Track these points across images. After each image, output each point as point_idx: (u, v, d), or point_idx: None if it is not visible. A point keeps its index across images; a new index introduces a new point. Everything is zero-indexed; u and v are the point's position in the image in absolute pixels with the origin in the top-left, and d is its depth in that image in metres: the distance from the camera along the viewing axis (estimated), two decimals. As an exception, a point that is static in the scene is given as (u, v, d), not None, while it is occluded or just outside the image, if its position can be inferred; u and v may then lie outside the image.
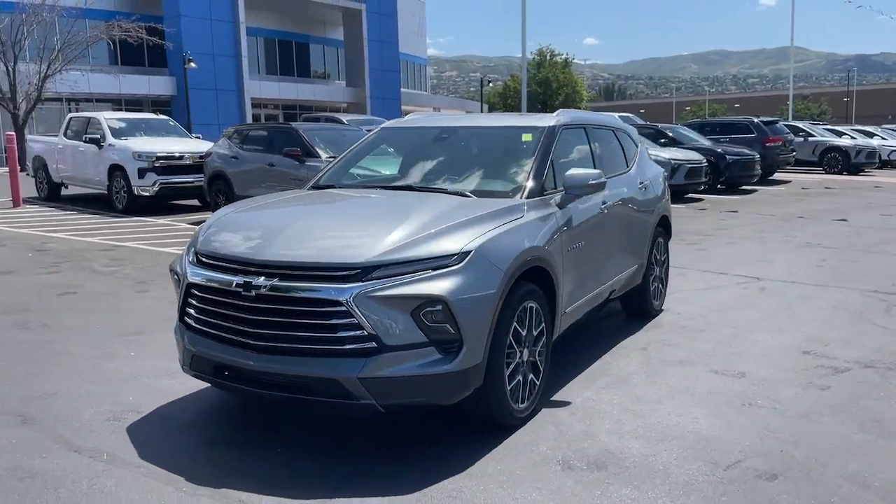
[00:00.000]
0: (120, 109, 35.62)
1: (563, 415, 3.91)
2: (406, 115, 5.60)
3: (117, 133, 14.70)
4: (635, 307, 5.91)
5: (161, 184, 13.58)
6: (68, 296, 6.88)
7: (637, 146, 6.04)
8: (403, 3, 53.54)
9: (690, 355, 4.98)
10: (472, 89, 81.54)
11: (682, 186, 16.00)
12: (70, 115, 16.45)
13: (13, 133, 16.29)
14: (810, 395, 4.23)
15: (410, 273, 3.23)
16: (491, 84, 65.76)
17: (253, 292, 3.26)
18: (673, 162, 15.77)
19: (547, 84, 58.19)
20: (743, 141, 20.34)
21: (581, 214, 4.46)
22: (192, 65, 32.62)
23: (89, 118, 15.43)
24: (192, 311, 3.60)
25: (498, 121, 5.08)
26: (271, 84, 43.17)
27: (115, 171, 14.01)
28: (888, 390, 4.30)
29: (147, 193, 13.50)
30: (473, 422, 3.68)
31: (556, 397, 4.18)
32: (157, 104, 39.32)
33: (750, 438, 3.60)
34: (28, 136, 18.52)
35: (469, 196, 4.08)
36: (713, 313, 6.11)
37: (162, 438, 3.60)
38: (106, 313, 6.17)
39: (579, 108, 53.83)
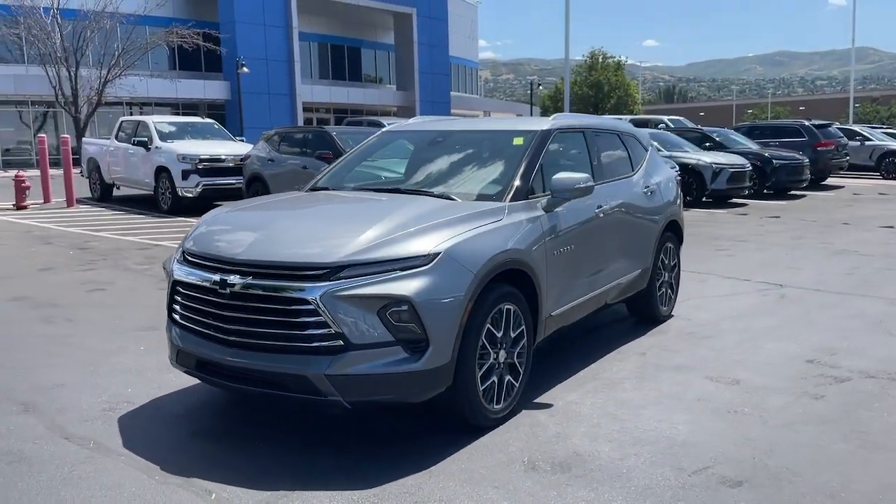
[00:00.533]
0: (178, 113, 36.75)
1: (541, 417, 3.93)
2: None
3: (164, 136, 15.22)
4: (641, 312, 5.87)
5: (204, 185, 14.00)
6: (97, 292, 7.17)
7: (646, 150, 6.00)
8: (454, 7, 53.83)
9: (689, 361, 4.93)
10: (528, 92, 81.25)
11: (725, 191, 15.72)
12: (121, 119, 17.07)
13: (67, 136, 16.96)
14: (801, 404, 4.15)
15: (378, 273, 3.31)
16: (541, 87, 65.39)
17: (228, 290, 3.39)
18: (714, 166, 15.51)
19: (599, 87, 57.67)
20: (793, 145, 19.83)
21: (571, 218, 4.47)
22: (245, 69, 33.41)
23: (139, 121, 16.00)
24: (177, 308, 3.75)
25: (494, 125, 5.14)
26: (323, 88, 43.89)
27: (161, 172, 14.50)
28: (885, 402, 4.18)
29: (190, 195, 13.92)
30: (448, 421, 3.73)
31: (541, 399, 4.20)
32: (213, 108, 40.40)
33: (725, 446, 3.57)
34: (83, 139, 19.26)
35: (453, 199, 4.14)
36: (725, 320, 6.02)
37: (148, 429, 3.76)
38: (127, 309, 6.42)
39: (632, 112, 53.40)
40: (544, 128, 4.71)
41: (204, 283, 3.51)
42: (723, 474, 3.26)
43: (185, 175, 14.07)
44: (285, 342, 3.32)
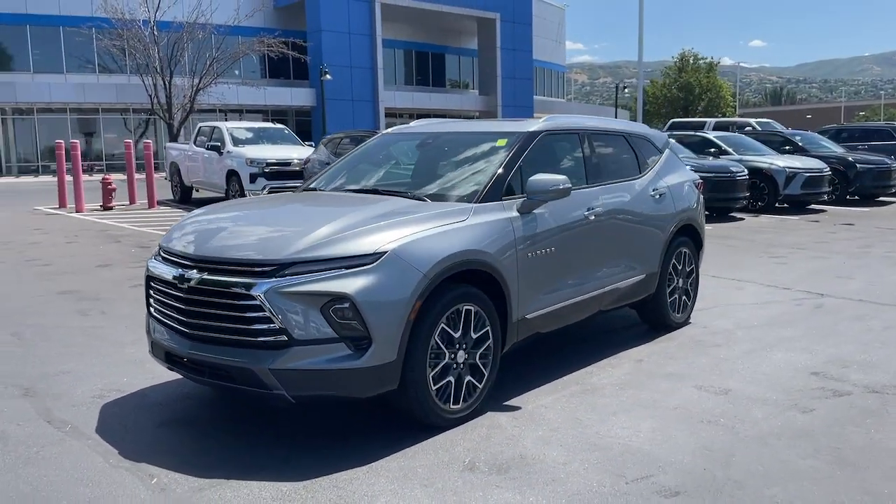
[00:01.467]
0: (267, 119, 38.16)
1: (503, 419, 3.91)
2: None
3: (237, 141, 15.90)
4: (650, 318, 5.72)
5: (270, 188, 14.54)
6: (139, 287, 7.58)
7: (660, 152, 5.85)
8: (541, 11, 53.63)
9: (684, 369, 4.78)
10: (626, 95, 79.77)
11: (800, 196, 15.01)
12: (200, 125, 17.92)
13: (149, 141, 17.99)
14: (784, 417, 3.96)
15: (323, 271, 3.39)
16: (626, 90, 64.09)
17: (186, 284, 3.56)
18: (788, 170, 14.84)
19: (689, 89, 56.03)
20: (884, 148, 18.72)
21: (552, 220, 4.42)
22: (328, 76, 34.37)
23: (214, 127, 16.77)
24: (151, 301, 3.95)
25: (483, 126, 5.13)
26: (405, 94, 44.57)
27: (232, 175, 15.16)
28: (879, 418, 3.94)
29: (256, 197, 14.48)
30: (403, 419, 3.77)
31: (513, 401, 4.17)
32: (300, 114, 41.75)
33: (680, 455, 3.45)
34: (167, 144, 20.31)
35: (424, 199, 4.18)
36: (743, 329, 5.78)
37: (125, 416, 3.97)
38: (158, 304, 6.76)
39: (724, 114, 51.47)
40: (530, 129, 4.68)
41: (167, 277, 3.69)
42: (663, 484, 3.16)
43: (253, 178, 14.67)
44: (235, 336, 3.45)
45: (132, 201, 17.16)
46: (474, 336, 3.88)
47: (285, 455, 3.48)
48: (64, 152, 16.72)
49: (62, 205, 16.60)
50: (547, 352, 5.20)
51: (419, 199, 4.21)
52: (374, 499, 3.04)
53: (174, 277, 3.62)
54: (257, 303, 3.36)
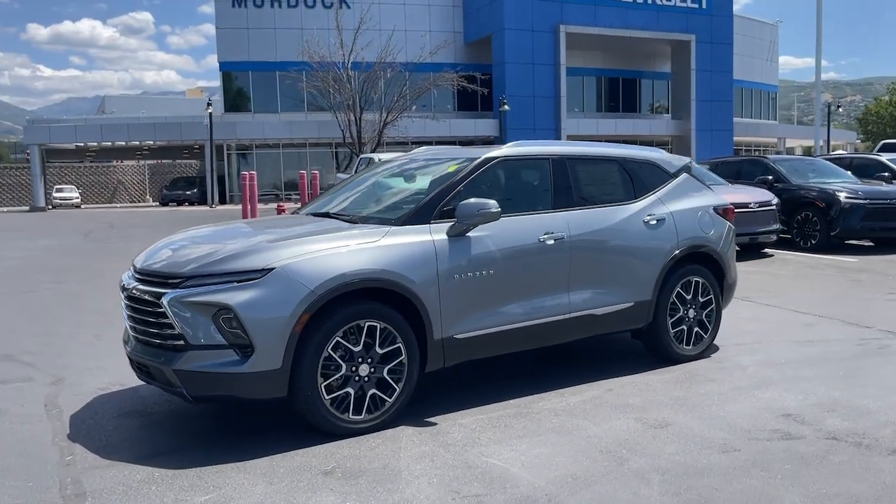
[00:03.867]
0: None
1: (406, 433, 4.07)
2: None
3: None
4: (651, 349, 5.50)
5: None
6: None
7: (671, 177, 5.63)
8: (748, 29, 50.94)
9: (645, 402, 4.59)
10: (840, 113, 72.74)
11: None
12: (361, 156, 19.36)
13: (316, 171, 19.79)
14: (695, 455, 3.73)
15: (218, 283, 3.82)
16: (840, 108, 58.28)
17: (125, 293, 4.16)
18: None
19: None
20: None
21: (492, 243, 4.51)
22: (506, 107, 35.24)
23: (369, 158, 18.05)
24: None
25: (453, 153, 5.28)
26: (589, 121, 44.23)
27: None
28: (803, 465, 3.58)
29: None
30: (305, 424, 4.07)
31: (435, 418, 4.29)
32: (486, 143, 43.01)
33: (538, 481, 3.42)
34: (337, 174, 22.07)
35: (354, 222, 4.49)
36: (760, 366, 5.37)
37: (101, 406, 4.64)
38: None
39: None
40: (485, 156, 4.81)
41: (121, 286, 4.33)
42: (487, 502, 3.19)
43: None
44: (154, 339, 3.98)
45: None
46: (381, 351, 4.09)
47: (182, 445, 3.95)
48: (247, 183, 18.85)
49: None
50: (522, 372, 5.23)
51: (352, 221, 4.53)
52: (219, 488, 3.39)
53: (122, 287, 4.25)
54: (163, 310, 3.87)
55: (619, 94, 48.77)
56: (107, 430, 4.22)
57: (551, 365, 5.59)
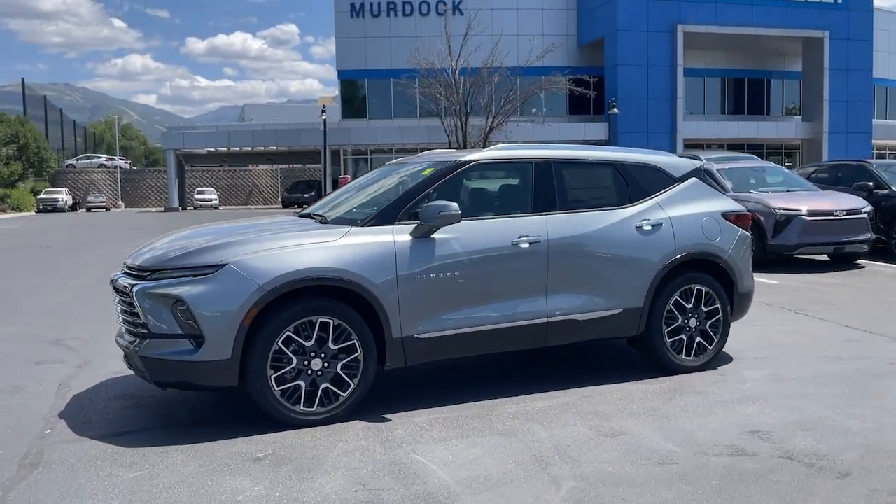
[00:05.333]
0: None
1: (354, 427, 4.20)
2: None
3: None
4: (647, 358, 5.33)
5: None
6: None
7: (677, 182, 5.44)
8: (885, 23, 47.09)
9: (612, 411, 4.49)
10: None
11: None
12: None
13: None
14: (628, 465, 3.63)
15: (177, 277, 4.11)
16: None
17: (111, 284, 4.54)
18: None
19: None
20: None
21: (458, 245, 4.55)
22: (615, 110, 34.48)
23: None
24: (120, 301, 5.01)
25: (434, 158, 5.33)
26: (709, 124, 42.47)
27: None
28: (738, 484, 3.41)
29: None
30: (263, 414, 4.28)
31: (395, 415, 4.39)
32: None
33: (447, 479, 3.46)
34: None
35: (323, 222, 4.67)
36: (760, 381, 5.10)
37: (108, 389, 5.05)
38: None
39: None
40: (460, 160, 4.87)
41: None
42: (386, 497, 3.27)
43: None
44: (130, 327, 4.33)
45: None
46: (334, 347, 4.25)
47: (147, 427, 4.28)
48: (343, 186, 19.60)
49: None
50: (510, 374, 5.22)
51: (324, 221, 4.71)
52: (153, 466, 3.65)
53: (110, 280, 4.64)
54: (132, 300, 4.20)
55: (745, 95, 46.46)
56: (94, 409, 4.62)
57: (546, 368, 5.56)
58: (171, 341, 4.09)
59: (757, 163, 14.88)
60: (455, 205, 4.45)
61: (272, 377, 4.13)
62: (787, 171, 14.26)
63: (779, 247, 10.90)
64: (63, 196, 51.31)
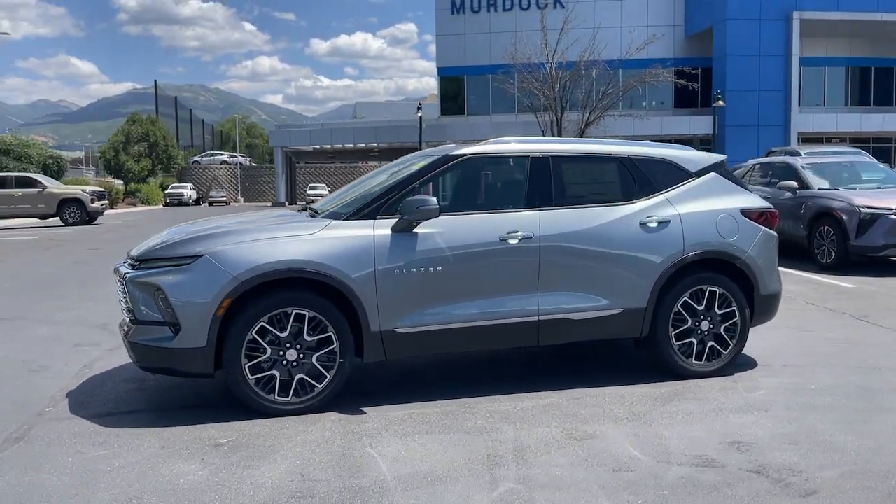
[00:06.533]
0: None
1: (327, 420, 4.22)
2: None
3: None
4: (654, 362, 5.09)
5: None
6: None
7: (692, 177, 5.16)
8: None
9: (595, 414, 4.32)
10: None
11: None
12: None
13: None
14: (580, 470, 3.49)
15: (160, 267, 4.29)
16: None
17: (115, 274, 4.79)
18: None
19: None
20: None
21: (441, 240, 4.50)
22: (720, 103, 32.96)
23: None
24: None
25: (432, 151, 5.25)
26: (828, 116, 39.84)
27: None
28: (687, 496, 3.21)
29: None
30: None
31: (371, 409, 4.40)
32: (705, 142, 40.63)
33: (381, 477, 3.45)
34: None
35: (312, 216, 4.73)
36: (772, 389, 4.78)
37: (121, 373, 5.28)
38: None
39: None
40: (451, 154, 4.80)
41: (119, 268, 4.98)
42: (314, 488, 3.30)
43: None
44: (125, 314, 4.55)
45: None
46: (309, 339, 4.31)
47: (135, 409, 4.47)
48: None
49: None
50: (507, 372, 5.13)
51: (312, 215, 4.77)
52: (120, 447, 3.83)
53: (114, 269, 4.89)
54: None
55: (871, 86, 43.27)
56: (101, 391, 4.89)
57: (548, 367, 5.42)
58: (154, 328, 4.27)
59: (857, 158, 13.92)
60: (434, 199, 4.41)
61: (246, 366, 4.23)
62: (889, 168, 13.21)
63: (862, 248, 10.13)
64: (188, 191, 54.55)
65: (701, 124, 39.34)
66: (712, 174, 5.26)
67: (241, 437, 3.98)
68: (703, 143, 40.45)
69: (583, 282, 4.80)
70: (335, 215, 4.65)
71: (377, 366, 5.41)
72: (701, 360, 5.03)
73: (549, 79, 32.75)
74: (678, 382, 4.92)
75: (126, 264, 4.63)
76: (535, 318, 4.71)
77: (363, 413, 4.36)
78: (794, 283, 9.38)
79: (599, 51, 32.12)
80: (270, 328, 4.25)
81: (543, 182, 4.86)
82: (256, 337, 4.23)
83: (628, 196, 5.02)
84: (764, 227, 5.21)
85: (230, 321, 4.20)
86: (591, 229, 4.82)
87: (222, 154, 74.99)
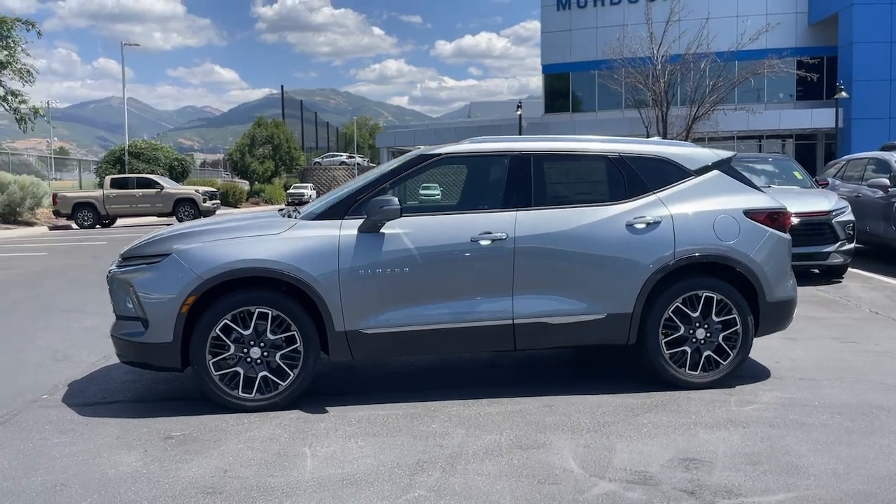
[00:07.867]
0: (783, 146, 36.11)
1: (285, 416, 4.28)
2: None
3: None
4: (642, 369, 4.82)
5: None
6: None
7: (690, 176, 4.84)
8: None
9: (558, 423, 4.15)
10: None
11: None
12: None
13: None
14: (503, 482, 3.37)
15: (137, 265, 4.48)
16: None
17: (109, 273, 5.05)
18: None
19: None
20: None
21: (409, 241, 4.45)
22: (843, 94, 30.65)
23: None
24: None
25: (417, 150, 5.17)
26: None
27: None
28: (588, 514, 3.03)
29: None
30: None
31: (336, 408, 4.41)
32: (829, 137, 38.05)
33: (300, 477, 3.45)
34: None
35: (288, 215, 4.78)
36: (766, 405, 4.42)
37: (124, 367, 5.61)
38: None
39: None
40: (422, 153, 4.74)
41: (120, 266, 5.24)
42: (249, 482, 3.35)
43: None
44: (115, 310, 4.80)
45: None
46: (272, 337, 4.37)
47: (116, 400, 4.69)
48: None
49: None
50: (494, 378, 5.01)
51: (287, 215, 4.82)
52: (81, 434, 4.03)
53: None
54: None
55: None
56: (101, 381, 5.16)
57: (544, 371, 5.25)
58: (129, 323, 4.48)
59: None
60: (395, 200, 4.37)
61: (211, 362, 4.35)
62: None
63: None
64: (308, 191, 56.65)
65: (824, 117, 36.79)
66: (714, 172, 4.92)
67: (195, 431, 4.09)
68: (830, 139, 37.93)
69: (561, 285, 4.61)
70: (308, 215, 4.70)
71: (370, 365, 5.44)
72: (696, 371, 4.72)
73: (654, 73, 31.60)
74: (667, 393, 4.63)
75: (115, 262, 4.88)
76: (510, 322, 4.57)
77: (325, 412, 4.38)
78: (870, 290, 8.63)
79: (709, 42, 30.65)
80: (234, 326, 4.35)
81: (522, 182, 4.70)
82: (220, 334, 4.34)
83: (616, 196, 4.77)
84: (772, 230, 4.81)
85: (195, 318, 4.33)
86: (570, 230, 4.62)
87: (341, 155, 77.40)
